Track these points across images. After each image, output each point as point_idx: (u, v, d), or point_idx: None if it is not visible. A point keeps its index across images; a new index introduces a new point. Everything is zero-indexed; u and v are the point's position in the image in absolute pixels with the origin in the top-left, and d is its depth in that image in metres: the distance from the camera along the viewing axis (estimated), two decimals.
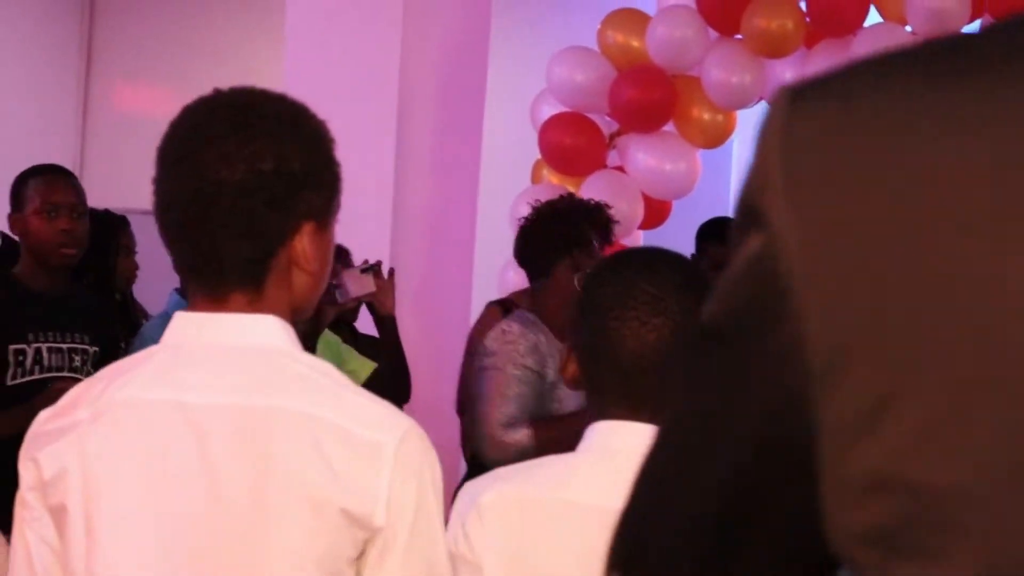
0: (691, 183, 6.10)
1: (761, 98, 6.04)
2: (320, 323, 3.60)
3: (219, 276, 1.62)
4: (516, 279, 5.42)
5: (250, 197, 1.58)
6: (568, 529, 1.73)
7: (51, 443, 1.62)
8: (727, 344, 0.72)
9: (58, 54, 9.49)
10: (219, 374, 1.61)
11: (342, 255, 4.08)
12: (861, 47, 5.84)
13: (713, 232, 5.30)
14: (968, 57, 0.68)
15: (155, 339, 3.23)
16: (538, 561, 1.75)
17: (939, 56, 0.69)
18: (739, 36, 6.03)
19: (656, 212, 6.06)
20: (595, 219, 3.83)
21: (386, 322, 4.06)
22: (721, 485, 0.73)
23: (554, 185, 5.93)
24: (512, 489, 1.79)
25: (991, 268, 0.64)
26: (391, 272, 4.12)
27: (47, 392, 3.20)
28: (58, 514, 1.60)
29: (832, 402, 0.68)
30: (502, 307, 4.22)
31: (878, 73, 0.70)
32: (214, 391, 1.59)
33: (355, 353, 3.98)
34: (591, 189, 5.68)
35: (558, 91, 6.13)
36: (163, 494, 1.57)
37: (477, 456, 3.64)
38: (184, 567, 1.56)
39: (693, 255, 5.21)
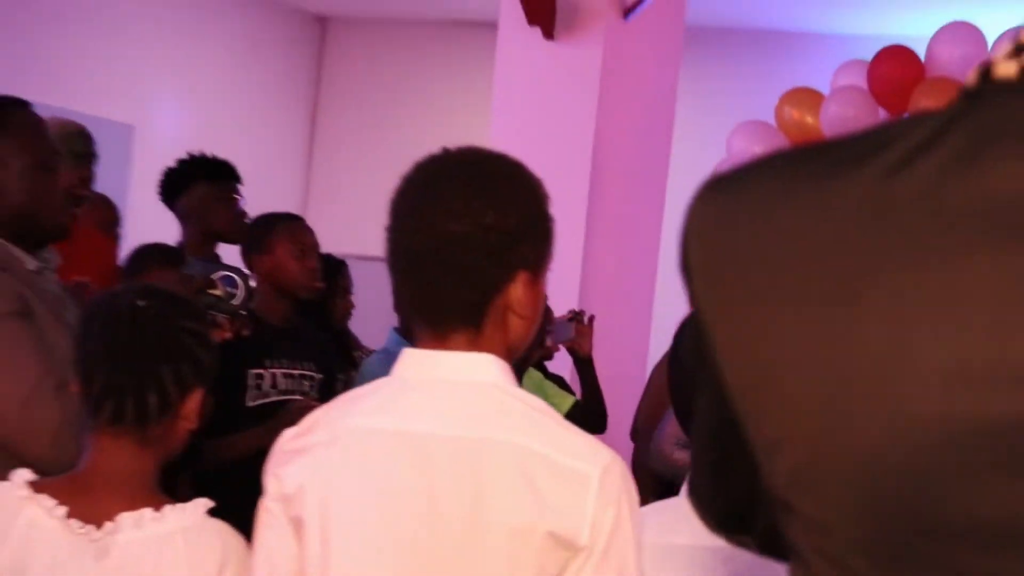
0: None
1: None
2: (527, 361, 3.91)
3: (442, 317, 1.74)
4: None
5: (472, 250, 1.70)
6: None
7: (292, 462, 1.75)
8: (699, 365, 0.89)
9: (287, 112, 10.46)
10: (441, 406, 1.72)
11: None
12: None
13: None
14: (827, 158, 0.76)
15: (376, 372, 3.57)
16: None
17: (809, 155, 0.78)
18: (906, 115, 6.47)
19: None
20: None
21: (586, 364, 4.51)
22: (710, 434, 0.94)
23: None
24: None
25: (837, 332, 0.72)
26: (591, 319, 4.60)
27: (288, 411, 3.45)
28: (297, 525, 1.73)
29: (750, 430, 0.80)
30: None
31: (761, 169, 0.79)
32: (435, 421, 1.70)
33: (556, 388, 4.33)
34: None
35: (737, 160, 6.69)
36: (388, 513, 1.69)
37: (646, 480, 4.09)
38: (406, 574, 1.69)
39: None
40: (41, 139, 2.78)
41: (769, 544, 0.92)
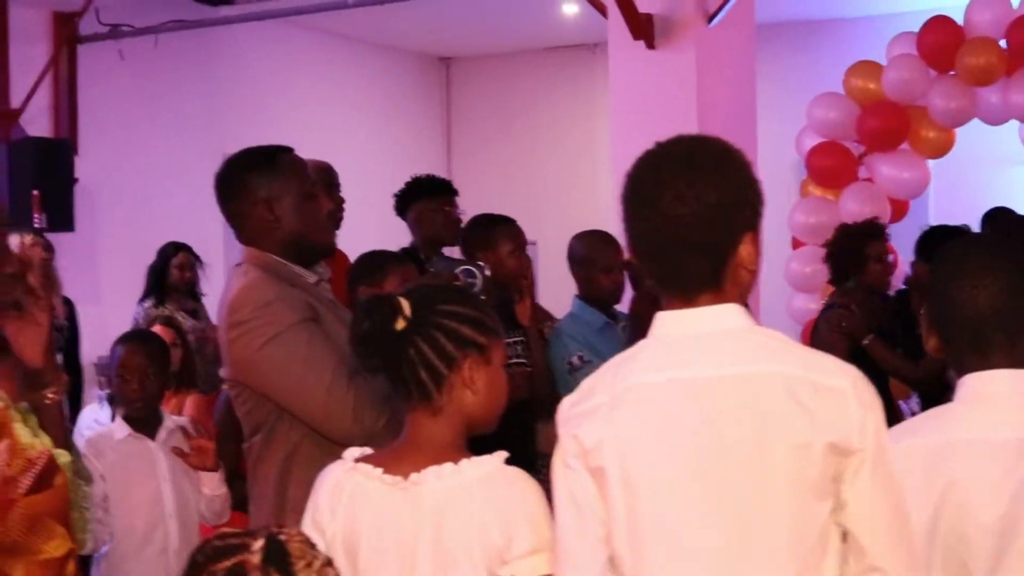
0: (924, 186, 7.80)
1: (974, 117, 7.61)
2: None
3: (688, 285, 1.89)
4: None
5: (703, 227, 1.85)
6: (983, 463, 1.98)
7: (585, 422, 1.90)
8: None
9: (423, 142, 11.70)
10: (706, 352, 1.86)
11: None
12: None
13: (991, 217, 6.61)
14: None
15: (569, 332, 4.39)
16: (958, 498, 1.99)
17: None
18: (953, 72, 7.56)
19: (899, 210, 7.75)
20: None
21: None
22: None
23: (818, 197, 7.70)
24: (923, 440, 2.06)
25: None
26: None
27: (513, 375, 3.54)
28: (598, 474, 1.88)
29: None
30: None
31: None
32: (706, 366, 1.84)
33: None
34: (848, 197, 7.43)
35: (817, 127, 7.91)
36: (679, 450, 1.82)
37: None
38: (705, 503, 1.81)
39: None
40: (305, 175, 3.09)
41: None
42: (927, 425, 2.12)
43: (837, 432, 1.78)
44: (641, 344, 1.94)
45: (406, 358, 2.17)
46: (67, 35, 9.06)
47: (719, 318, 1.88)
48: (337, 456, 2.76)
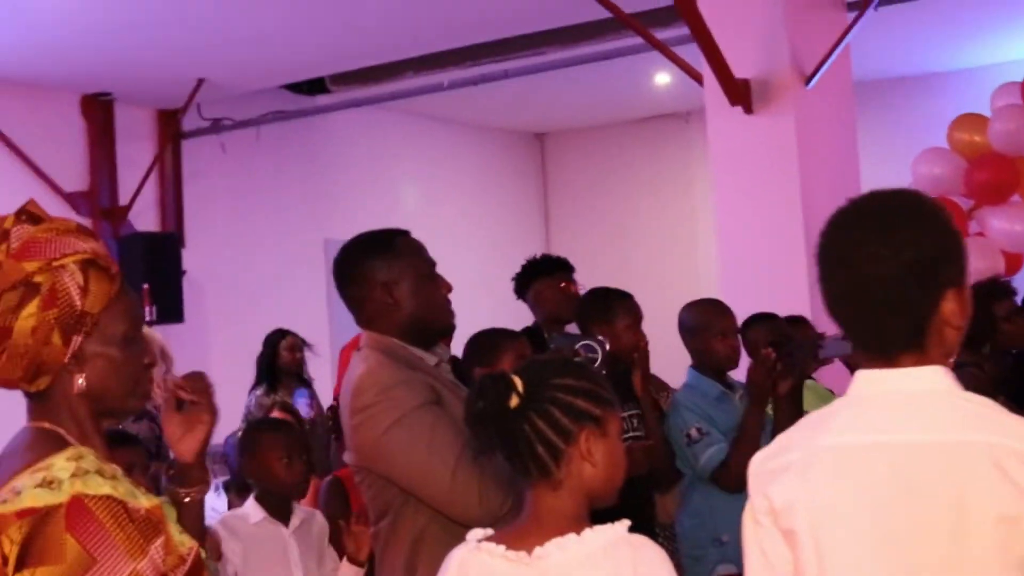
0: None
1: None
2: (804, 374, 4.21)
3: (888, 345, 1.81)
4: None
5: (901, 285, 1.77)
6: None
7: (776, 481, 1.84)
8: None
9: (522, 216, 11.84)
10: (907, 416, 1.78)
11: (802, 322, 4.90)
12: None
13: None
14: None
15: (686, 403, 4.26)
16: None
17: None
18: None
19: (1012, 263, 7.61)
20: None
21: None
22: None
23: None
24: None
25: None
26: None
27: (634, 450, 3.68)
28: (789, 536, 1.81)
29: None
30: None
31: None
32: (906, 430, 1.76)
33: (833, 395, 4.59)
34: None
35: (922, 183, 7.74)
36: (875, 517, 1.74)
37: None
38: (899, 574, 1.72)
39: None
40: (423, 257, 3.10)
41: None
42: None
43: None
44: (837, 403, 1.88)
45: (522, 435, 2.16)
46: (171, 131, 9.29)
47: (921, 380, 1.80)
48: (463, 538, 2.76)
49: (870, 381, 1.83)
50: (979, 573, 1.69)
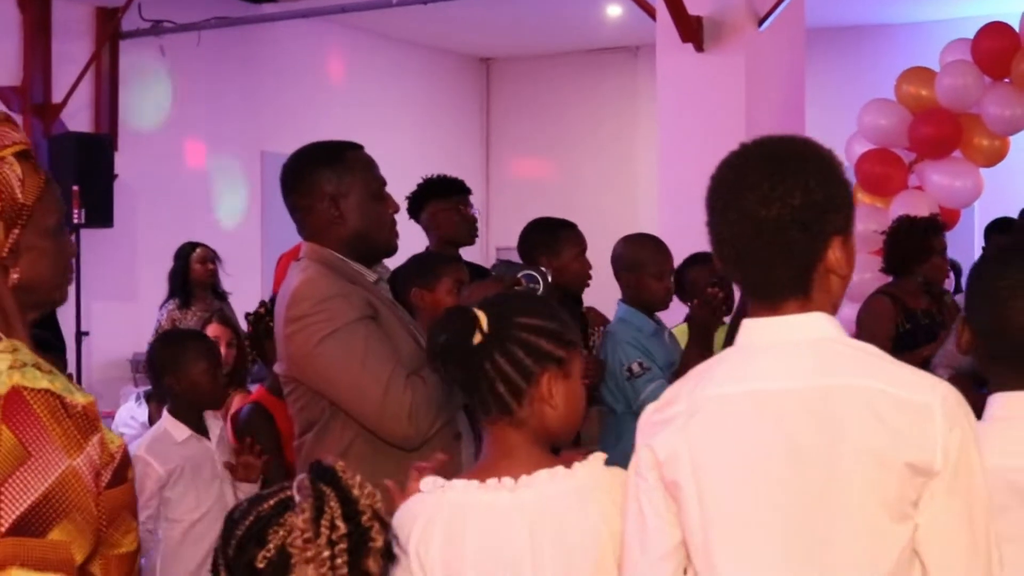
0: (976, 194, 7.67)
1: None
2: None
3: (774, 291, 1.82)
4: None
5: (789, 229, 1.77)
6: None
7: (660, 432, 1.85)
8: None
9: (462, 141, 11.76)
10: (786, 363, 1.79)
11: None
12: None
13: (996, 227, 6.90)
14: None
15: (624, 338, 4.14)
16: None
17: None
18: (1007, 80, 7.46)
19: (949, 219, 7.58)
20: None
21: None
22: None
23: (867, 204, 7.57)
24: None
25: None
26: None
27: None
28: (672, 487, 1.83)
29: None
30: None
31: None
32: (785, 378, 1.78)
33: None
34: (898, 205, 7.30)
35: (867, 133, 7.78)
36: (756, 464, 1.77)
37: None
38: (778, 520, 1.76)
39: (982, 247, 6.71)
40: (374, 174, 3.05)
41: None
42: None
43: (917, 451, 1.70)
44: (724, 353, 1.91)
45: (483, 373, 2.10)
46: (109, 31, 9.05)
47: (805, 327, 1.81)
48: (389, 456, 2.78)
49: (754, 329, 1.85)
50: (853, 516, 1.72)
